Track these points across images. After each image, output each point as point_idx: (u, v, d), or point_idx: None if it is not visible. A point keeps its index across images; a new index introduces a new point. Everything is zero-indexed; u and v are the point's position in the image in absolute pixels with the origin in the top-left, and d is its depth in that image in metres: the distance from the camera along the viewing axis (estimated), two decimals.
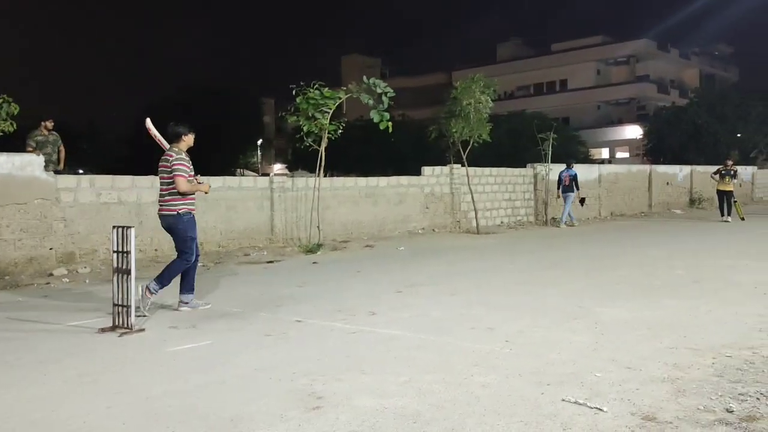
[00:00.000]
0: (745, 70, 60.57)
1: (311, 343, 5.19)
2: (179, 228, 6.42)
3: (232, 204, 11.82)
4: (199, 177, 6.65)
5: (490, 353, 4.74)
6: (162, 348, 5.12)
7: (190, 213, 6.47)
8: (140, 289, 6.17)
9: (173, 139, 6.53)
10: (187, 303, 6.57)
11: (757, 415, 3.44)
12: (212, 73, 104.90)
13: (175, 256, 6.55)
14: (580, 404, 3.62)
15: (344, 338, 5.34)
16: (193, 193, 6.48)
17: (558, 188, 17.21)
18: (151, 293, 6.29)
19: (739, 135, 37.65)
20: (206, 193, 6.84)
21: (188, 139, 6.58)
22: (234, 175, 28.62)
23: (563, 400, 3.71)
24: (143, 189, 10.56)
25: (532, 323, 5.71)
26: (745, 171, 28.11)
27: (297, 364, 4.58)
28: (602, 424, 3.35)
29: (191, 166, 6.48)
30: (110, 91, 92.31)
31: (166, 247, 10.25)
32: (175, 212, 6.37)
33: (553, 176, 17.72)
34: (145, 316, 6.15)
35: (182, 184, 6.29)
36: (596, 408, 3.55)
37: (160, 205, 6.49)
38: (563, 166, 17.33)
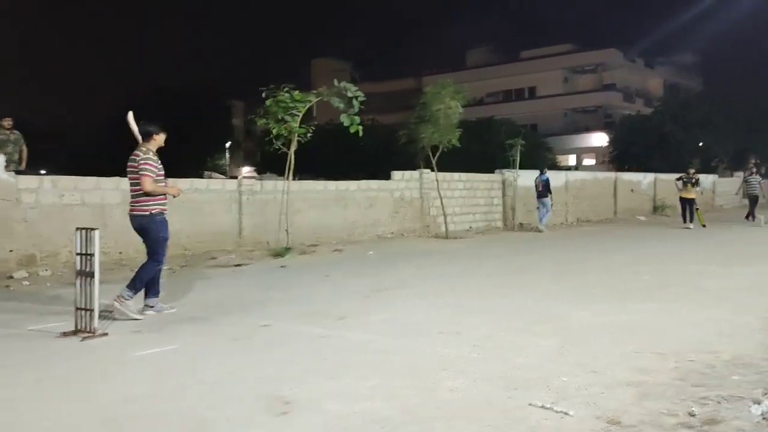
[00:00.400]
0: (709, 79, 61.83)
1: (279, 348, 5.14)
2: (152, 228, 6.30)
3: (199, 206, 11.68)
4: (169, 181, 6.55)
5: (458, 357, 4.76)
6: (126, 352, 5.02)
7: (163, 213, 6.37)
8: (115, 303, 6.10)
9: (143, 137, 6.42)
10: (152, 307, 6.45)
11: (719, 419, 3.51)
12: (182, 75, 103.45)
13: (141, 260, 6.44)
14: (546, 408, 3.65)
15: (313, 343, 5.31)
16: (163, 194, 6.38)
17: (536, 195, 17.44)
18: (125, 300, 6.17)
19: (701, 144, 38.50)
20: (175, 196, 6.68)
21: (159, 139, 6.47)
22: (202, 177, 28.25)
23: (530, 404, 3.73)
24: (107, 191, 10.39)
25: (500, 327, 5.75)
26: (706, 179, 28.74)
27: (264, 368, 4.53)
28: (568, 428, 3.38)
29: (160, 166, 6.37)
30: (78, 91, 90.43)
31: (131, 249, 10.08)
32: (148, 212, 6.26)
33: (521, 182, 17.93)
34: (137, 319, 6.08)
35: (147, 184, 6.18)
36: (562, 412, 3.58)
37: (131, 206, 6.35)
38: (532, 173, 17.55)
